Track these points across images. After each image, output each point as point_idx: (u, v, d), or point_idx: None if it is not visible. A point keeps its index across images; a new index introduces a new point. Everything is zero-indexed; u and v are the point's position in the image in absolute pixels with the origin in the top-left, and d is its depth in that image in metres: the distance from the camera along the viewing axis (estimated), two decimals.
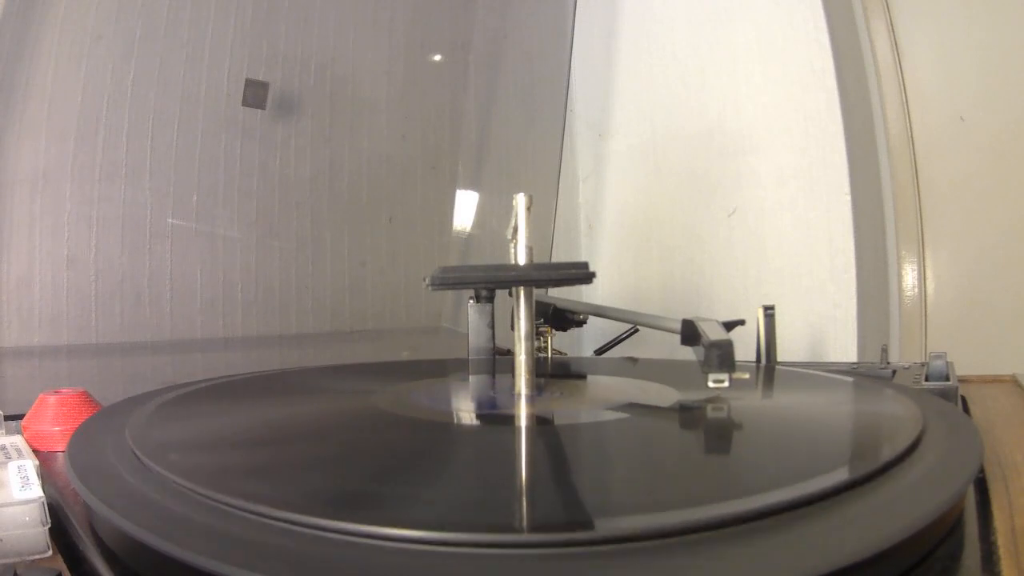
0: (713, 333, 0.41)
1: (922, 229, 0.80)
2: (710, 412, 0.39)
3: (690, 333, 0.44)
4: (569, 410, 0.43)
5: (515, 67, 1.09)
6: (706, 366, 0.39)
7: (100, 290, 0.79)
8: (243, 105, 0.88)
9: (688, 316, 0.45)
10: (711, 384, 0.39)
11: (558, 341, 0.66)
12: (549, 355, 0.63)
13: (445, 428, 0.39)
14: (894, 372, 0.53)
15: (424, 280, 0.43)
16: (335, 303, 0.96)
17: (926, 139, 0.80)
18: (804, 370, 0.54)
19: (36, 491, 0.29)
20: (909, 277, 0.80)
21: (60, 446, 0.40)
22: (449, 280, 0.44)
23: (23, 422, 0.42)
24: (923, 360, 0.56)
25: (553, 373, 0.57)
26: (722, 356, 0.39)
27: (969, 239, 0.78)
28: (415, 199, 1.04)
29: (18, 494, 0.29)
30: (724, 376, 0.39)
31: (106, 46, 0.79)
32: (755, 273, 0.83)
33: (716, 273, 0.87)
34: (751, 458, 0.32)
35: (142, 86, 0.81)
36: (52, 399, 0.42)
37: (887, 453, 0.28)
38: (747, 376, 0.40)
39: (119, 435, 0.34)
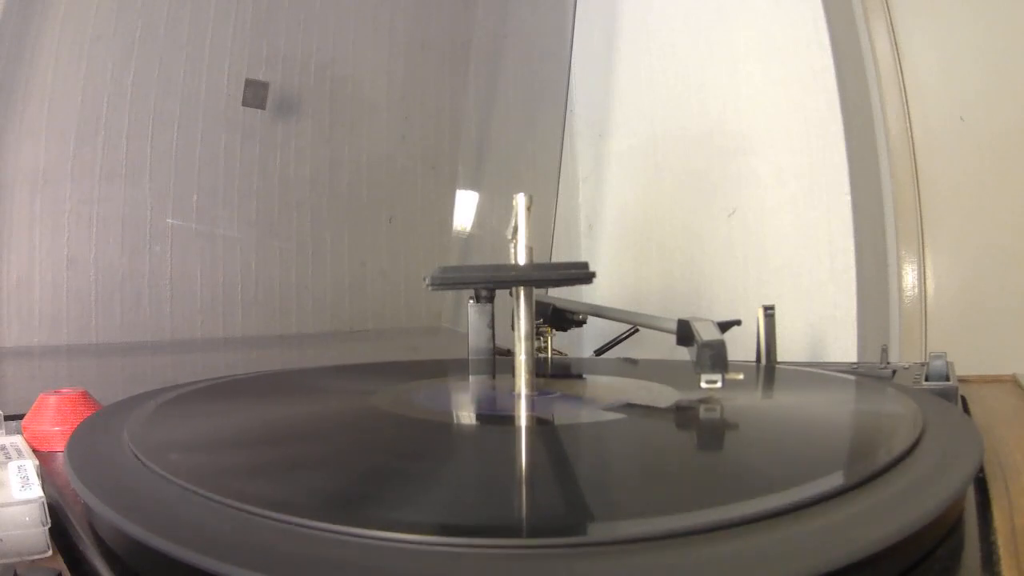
0: (707, 333, 0.40)
1: (922, 229, 0.80)
2: (709, 413, 0.39)
3: (685, 333, 0.44)
4: (569, 410, 0.43)
5: (515, 67, 1.09)
6: (699, 366, 0.39)
7: (100, 290, 0.79)
8: (243, 105, 0.88)
9: (686, 316, 0.45)
10: (704, 384, 0.39)
11: (558, 341, 0.65)
12: (549, 355, 0.63)
13: (445, 428, 0.39)
14: (894, 372, 0.53)
15: (424, 280, 0.43)
16: (335, 303, 0.96)
17: (926, 139, 0.79)
18: (804, 369, 0.54)
19: (36, 491, 0.29)
20: (909, 277, 0.80)
21: (60, 446, 0.40)
22: (449, 280, 0.44)
23: (23, 422, 0.42)
24: (923, 360, 0.56)
25: (553, 373, 0.57)
26: (715, 356, 0.39)
27: (969, 239, 0.78)
28: (415, 199, 1.04)
29: (18, 494, 0.29)
30: (717, 376, 0.39)
31: (106, 46, 0.79)
32: (755, 273, 0.83)
33: (716, 273, 0.87)
34: (750, 458, 0.32)
35: (142, 86, 0.81)
36: (52, 399, 0.42)
37: (887, 453, 0.28)
38: (741, 376, 0.40)
39: (119, 435, 0.34)
